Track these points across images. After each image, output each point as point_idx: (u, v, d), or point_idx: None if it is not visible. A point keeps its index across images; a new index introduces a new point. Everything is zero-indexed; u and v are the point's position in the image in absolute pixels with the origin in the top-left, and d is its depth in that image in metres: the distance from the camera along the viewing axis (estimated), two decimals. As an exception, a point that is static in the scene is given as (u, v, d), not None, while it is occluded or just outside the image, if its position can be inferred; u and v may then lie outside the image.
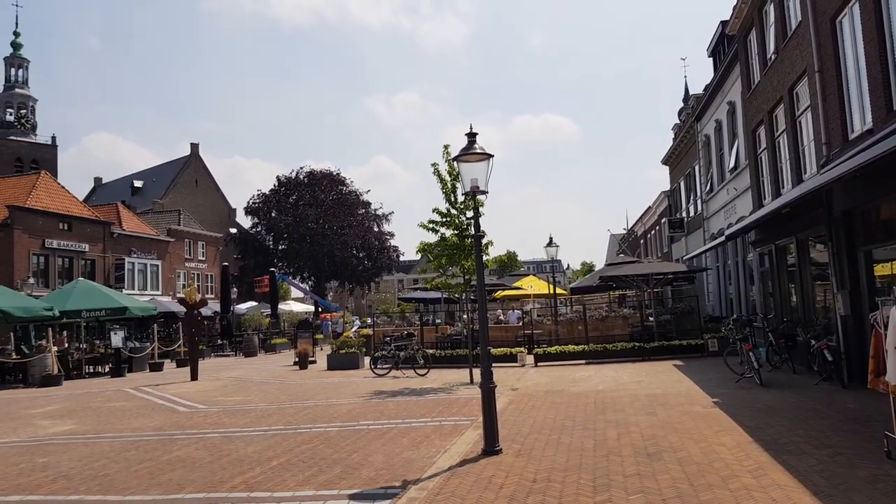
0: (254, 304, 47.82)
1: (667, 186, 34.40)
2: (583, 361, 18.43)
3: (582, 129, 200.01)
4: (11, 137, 65.26)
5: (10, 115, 66.36)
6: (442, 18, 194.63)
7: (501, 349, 19.28)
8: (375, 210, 64.49)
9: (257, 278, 47.45)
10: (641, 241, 44.90)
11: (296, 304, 54.84)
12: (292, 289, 57.93)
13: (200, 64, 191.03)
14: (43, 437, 10.47)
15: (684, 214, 29.99)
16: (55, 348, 21.50)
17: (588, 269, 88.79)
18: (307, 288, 58.44)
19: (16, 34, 67.40)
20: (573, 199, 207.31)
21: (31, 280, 33.47)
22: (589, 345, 19.09)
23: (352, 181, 64.79)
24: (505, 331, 23.67)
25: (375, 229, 63.66)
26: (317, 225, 58.65)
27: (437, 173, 14.92)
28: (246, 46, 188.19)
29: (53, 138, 68.56)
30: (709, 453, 7.03)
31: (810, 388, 11.54)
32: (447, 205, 15.10)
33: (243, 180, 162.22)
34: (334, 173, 63.20)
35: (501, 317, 26.38)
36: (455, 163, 8.49)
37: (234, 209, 70.48)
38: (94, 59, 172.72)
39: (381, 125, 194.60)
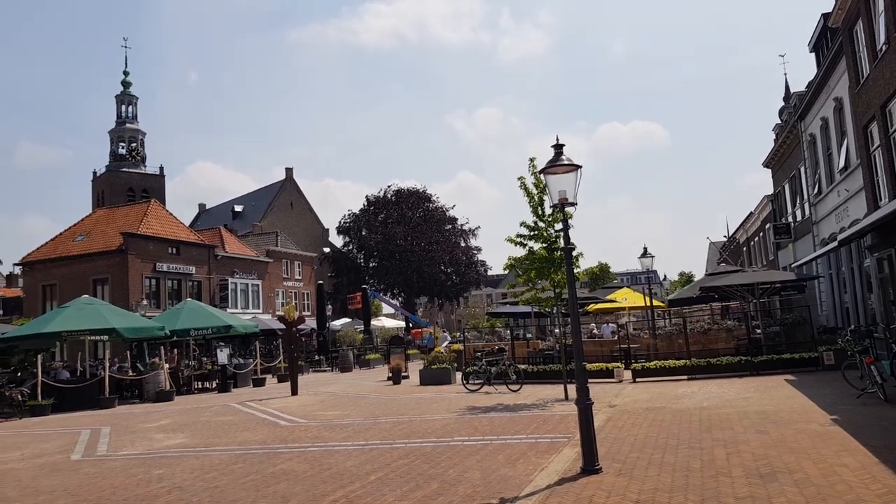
0: (347, 320, 49.02)
1: (769, 190, 32.73)
2: (684, 377, 17.69)
3: (672, 135, 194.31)
4: (124, 169, 70.33)
5: (123, 148, 71.53)
6: (522, 32, 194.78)
7: (596, 364, 18.79)
8: (462, 225, 64.86)
9: (350, 295, 48.64)
10: (744, 249, 42.82)
11: (387, 320, 55.79)
12: (384, 305, 58.99)
13: (290, 92, 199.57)
14: (158, 450, 11.04)
15: (790, 219, 28.39)
16: (167, 365, 22.79)
17: (686, 279, 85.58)
18: (398, 304, 59.35)
19: (125, 73, 72.75)
20: (666, 206, 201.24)
21: (145, 302, 35.70)
22: (691, 359, 18.29)
23: (437, 198, 65.52)
24: (599, 345, 23.09)
25: (462, 244, 63.96)
26: (405, 242, 59.55)
27: (524, 186, 14.80)
28: (331, 72, 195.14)
29: (161, 168, 73.37)
30: (829, 475, 6.53)
31: (942, 404, 10.57)
32: (534, 218, 14.94)
33: (334, 201, 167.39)
34: (420, 191, 64.11)
35: (595, 331, 25.76)
36: (542, 175, 8.39)
37: (327, 229, 72.71)
38: (193, 92, 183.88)
39: (463, 141, 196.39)
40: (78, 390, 20.11)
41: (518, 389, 17.00)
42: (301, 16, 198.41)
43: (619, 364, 19.29)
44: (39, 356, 20.20)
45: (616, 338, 23.37)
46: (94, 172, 72.73)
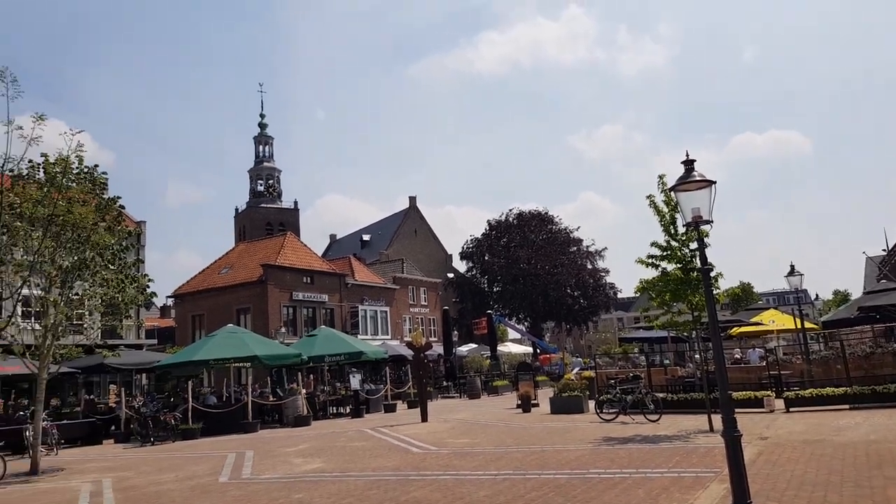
0: (473, 346, 49.14)
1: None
2: (845, 406, 16.04)
3: (814, 142, 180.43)
4: (262, 205, 75.44)
5: (261, 185, 76.90)
6: (641, 46, 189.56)
7: (743, 393, 17.54)
8: (587, 247, 63.54)
9: (475, 320, 48.81)
10: (906, 264, 38.72)
11: (514, 346, 55.37)
12: (509, 330, 58.69)
13: (410, 122, 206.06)
14: (297, 474, 11.40)
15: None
16: (304, 391, 23.76)
17: (842, 298, 78.59)
18: (524, 329, 58.81)
19: (262, 116, 78.40)
20: (812, 219, 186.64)
21: (283, 329, 37.65)
22: (852, 387, 16.54)
23: (560, 219, 64.71)
24: (746, 372, 21.56)
25: (589, 266, 62.58)
26: (529, 265, 59.11)
27: (654, 205, 14.17)
28: (449, 101, 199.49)
29: (295, 202, 78.07)
30: None
31: None
32: (667, 237, 14.24)
33: (456, 227, 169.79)
34: (542, 213, 63.57)
35: (740, 356, 24.12)
36: (673, 193, 8.00)
37: (451, 255, 73.75)
38: (321, 128, 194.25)
39: (584, 160, 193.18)
40: (224, 415, 21.38)
41: (657, 419, 16.15)
42: (420, 50, 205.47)
43: (768, 392, 17.88)
44: (190, 382, 21.74)
45: (764, 363, 21.74)
46: (236, 209, 78.64)
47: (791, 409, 16.38)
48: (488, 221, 64.94)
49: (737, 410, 7.82)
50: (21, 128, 12.89)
